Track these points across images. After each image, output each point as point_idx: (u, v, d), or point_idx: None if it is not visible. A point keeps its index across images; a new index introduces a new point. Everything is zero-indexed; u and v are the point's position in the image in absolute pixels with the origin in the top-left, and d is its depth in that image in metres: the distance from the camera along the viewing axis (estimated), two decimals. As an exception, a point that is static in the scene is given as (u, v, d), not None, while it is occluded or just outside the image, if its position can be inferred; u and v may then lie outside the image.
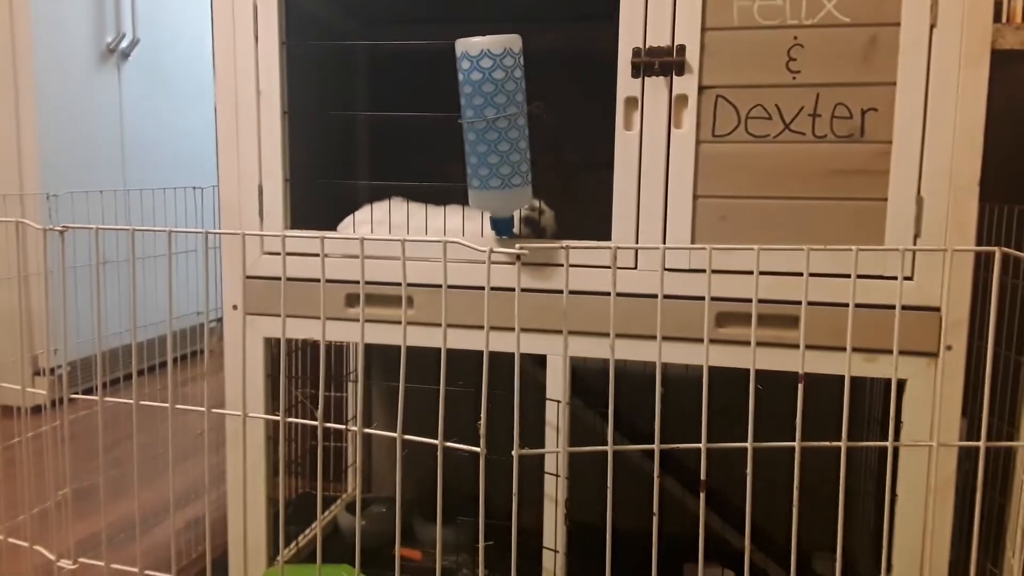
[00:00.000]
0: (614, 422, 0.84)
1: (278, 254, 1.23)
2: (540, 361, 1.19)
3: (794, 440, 0.80)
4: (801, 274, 1.06)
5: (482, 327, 1.16)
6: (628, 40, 1.08)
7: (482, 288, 1.16)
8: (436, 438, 0.84)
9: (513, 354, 0.83)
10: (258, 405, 1.25)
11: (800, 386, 0.80)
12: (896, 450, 1.06)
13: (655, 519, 0.85)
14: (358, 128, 1.62)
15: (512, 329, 1.14)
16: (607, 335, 1.13)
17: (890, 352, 1.04)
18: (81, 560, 1.02)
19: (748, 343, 1.08)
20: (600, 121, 1.22)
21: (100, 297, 0.90)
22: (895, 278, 1.04)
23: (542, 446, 1.20)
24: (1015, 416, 1.32)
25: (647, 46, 1.08)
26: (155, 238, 2.62)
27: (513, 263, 1.14)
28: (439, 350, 0.83)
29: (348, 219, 1.29)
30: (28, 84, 2.43)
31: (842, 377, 0.96)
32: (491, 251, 0.82)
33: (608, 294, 1.12)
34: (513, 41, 1.05)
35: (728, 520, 1.51)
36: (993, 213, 1.43)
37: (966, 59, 1.00)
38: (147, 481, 1.91)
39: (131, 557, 1.56)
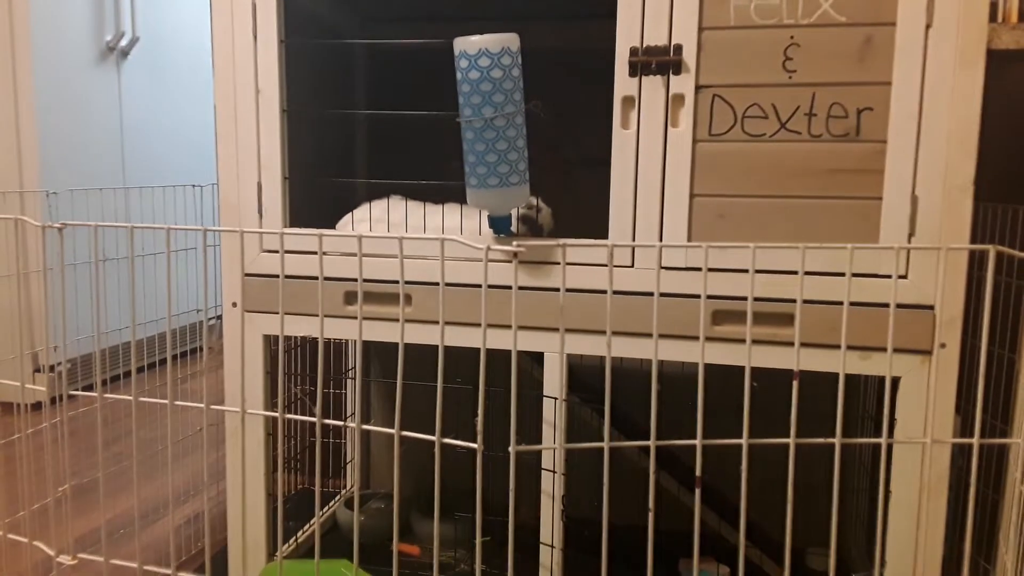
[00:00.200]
0: (610, 419, 0.85)
1: (277, 252, 1.24)
2: (537, 358, 1.19)
3: (789, 437, 0.81)
4: (796, 272, 1.07)
5: (480, 325, 1.17)
6: (625, 39, 1.09)
7: (480, 286, 1.16)
8: (434, 434, 0.85)
9: (510, 351, 0.83)
10: (257, 402, 1.26)
11: (795, 383, 0.81)
12: (890, 447, 1.06)
13: (651, 515, 0.86)
14: (357, 126, 1.63)
15: (509, 326, 1.14)
16: (604, 333, 1.13)
17: (884, 350, 1.05)
18: (80, 556, 1.03)
19: (744, 341, 1.09)
20: (597, 120, 1.22)
21: (99, 294, 0.90)
22: (890, 276, 1.05)
23: (539, 442, 1.20)
24: (1008, 413, 1.33)
25: (644, 45, 1.08)
26: (154, 235, 2.63)
27: (510, 261, 1.15)
28: (437, 347, 0.84)
29: (347, 217, 1.30)
30: (28, 82, 2.43)
31: (837, 374, 0.97)
32: (488, 249, 0.82)
33: (605, 292, 1.13)
34: (511, 40, 1.05)
35: (723, 516, 1.52)
36: (988, 212, 1.43)
37: (961, 59, 1.01)
38: (147, 477, 1.92)
39: (130, 553, 1.57)
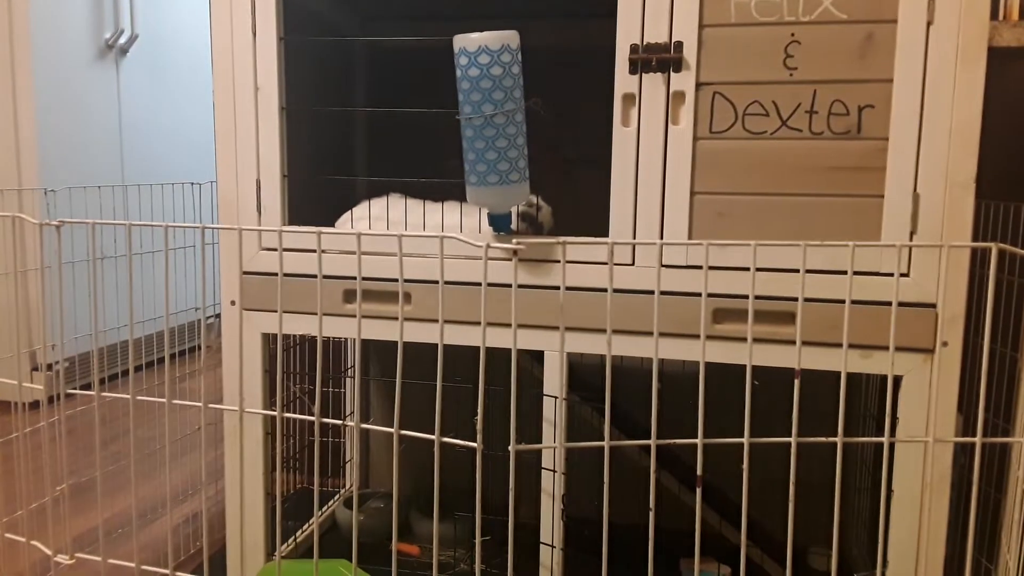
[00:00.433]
0: (611, 417, 0.84)
1: (276, 250, 1.23)
2: (537, 357, 1.19)
3: (790, 436, 0.80)
4: (798, 270, 1.07)
5: (479, 323, 1.16)
6: (626, 36, 1.08)
7: (479, 284, 1.16)
8: (433, 433, 0.84)
9: (510, 350, 0.83)
10: (256, 401, 1.25)
11: (796, 382, 0.80)
12: (892, 446, 1.06)
13: (652, 514, 0.86)
14: (356, 124, 1.62)
15: (509, 325, 1.14)
16: (604, 331, 1.13)
17: (886, 348, 1.05)
18: (78, 555, 1.02)
19: (745, 339, 1.08)
20: (598, 117, 1.22)
21: (97, 292, 0.90)
22: (891, 274, 1.05)
23: (539, 441, 1.20)
24: (1011, 412, 1.33)
25: (645, 42, 1.08)
26: (153, 233, 2.62)
27: (510, 259, 1.14)
28: (436, 346, 0.83)
29: (346, 215, 1.30)
30: (27, 80, 2.43)
31: (838, 373, 0.96)
32: (488, 247, 0.82)
33: (605, 290, 1.12)
34: (511, 37, 1.05)
35: (724, 515, 1.51)
36: (989, 210, 1.43)
37: (963, 56, 1.00)
38: (144, 476, 1.91)
39: (128, 552, 1.56)
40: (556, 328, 1.15)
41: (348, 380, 1.78)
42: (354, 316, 1.21)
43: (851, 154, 1.05)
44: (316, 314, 1.22)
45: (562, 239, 0.84)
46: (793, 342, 1.07)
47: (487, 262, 0.83)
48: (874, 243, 0.82)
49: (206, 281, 0.86)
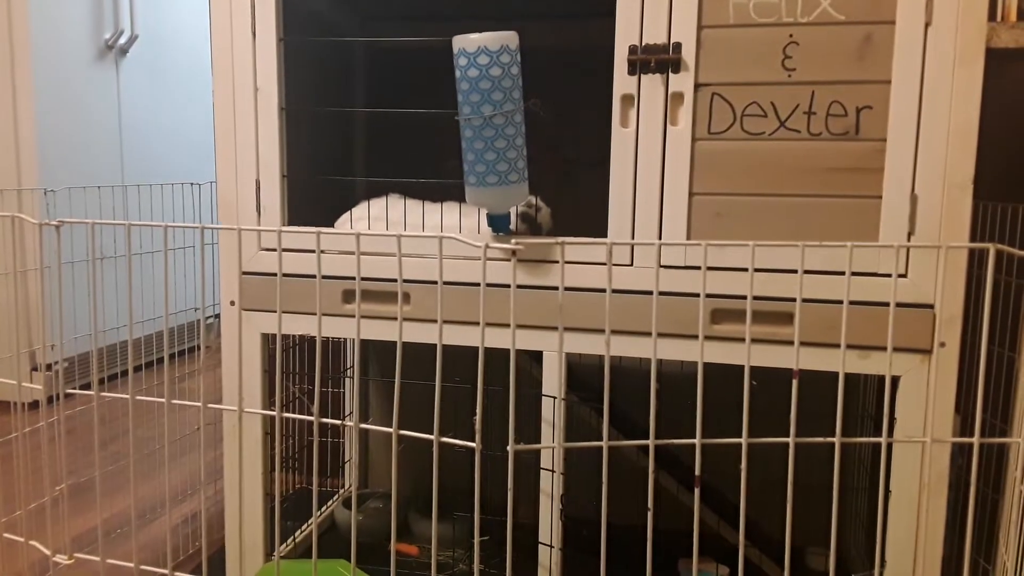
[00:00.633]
0: (609, 418, 0.84)
1: (275, 250, 1.23)
2: (536, 357, 1.19)
3: (788, 436, 0.80)
4: (796, 271, 1.07)
5: (478, 323, 1.16)
6: (624, 37, 1.09)
7: (478, 284, 1.16)
8: (432, 433, 0.84)
9: (509, 350, 0.83)
10: (255, 401, 1.25)
11: (794, 382, 0.80)
12: (890, 446, 1.06)
13: (650, 514, 0.86)
14: (356, 125, 1.62)
15: (508, 325, 1.14)
16: (603, 331, 1.13)
17: (884, 349, 1.05)
18: (77, 555, 1.03)
19: (743, 339, 1.09)
20: (596, 118, 1.22)
21: (97, 292, 0.90)
22: (889, 275, 1.05)
23: (538, 442, 1.20)
24: (1008, 413, 1.33)
25: (643, 43, 1.08)
26: (152, 233, 2.62)
27: (509, 259, 1.15)
28: (435, 346, 0.83)
29: (345, 216, 1.30)
30: (26, 80, 2.43)
31: (836, 373, 0.96)
32: (487, 247, 0.82)
33: (604, 290, 1.13)
34: (510, 38, 1.05)
35: (723, 515, 1.51)
36: (987, 211, 1.43)
37: (960, 57, 1.00)
38: (144, 476, 1.91)
39: (127, 552, 1.56)
40: (555, 328, 1.15)
41: (347, 380, 1.78)
42: (353, 316, 1.21)
43: (849, 155, 1.05)
44: (315, 314, 1.22)
45: (561, 239, 0.84)
46: (791, 342, 1.07)
47: (486, 262, 0.83)
48: (872, 244, 0.82)
49: (205, 281, 0.86)
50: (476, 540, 0.85)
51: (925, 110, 1.02)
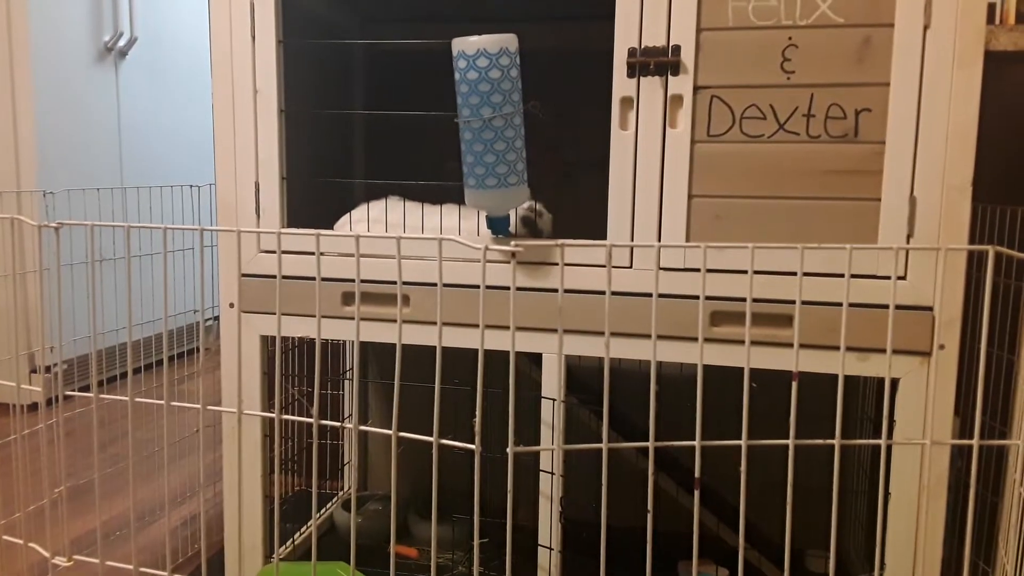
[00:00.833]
0: (609, 420, 0.84)
1: (274, 252, 1.23)
2: (536, 359, 1.19)
3: (788, 438, 0.80)
4: (795, 273, 1.07)
5: (478, 325, 1.16)
6: (624, 40, 1.09)
7: (478, 286, 1.16)
8: (432, 435, 0.84)
9: (508, 352, 0.83)
10: (254, 403, 1.25)
11: (794, 384, 0.80)
12: (889, 448, 1.06)
13: (650, 516, 0.86)
14: (355, 127, 1.62)
15: (508, 327, 1.14)
16: (602, 333, 1.13)
17: (883, 351, 1.05)
18: (76, 557, 1.02)
19: (742, 342, 1.09)
20: (596, 120, 1.22)
21: (96, 294, 0.90)
22: (888, 277, 1.05)
23: (537, 444, 1.20)
24: (1007, 415, 1.33)
25: (642, 46, 1.08)
26: (151, 235, 2.62)
27: (508, 261, 1.15)
28: (435, 348, 0.83)
29: (345, 218, 1.30)
30: (26, 82, 2.43)
31: (835, 375, 0.96)
32: (486, 249, 0.82)
33: (603, 293, 1.13)
34: (509, 40, 1.05)
35: (722, 518, 1.51)
36: (986, 213, 1.43)
37: (959, 60, 1.00)
38: (143, 478, 1.91)
39: (126, 555, 1.56)
40: (554, 331, 1.15)
41: (346, 382, 1.78)
42: (353, 318, 1.21)
43: (848, 157, 1.05)
44: (315, 316, 1.22)
45: (560, 241, 0.84)
46: (791, 345, 1.07)
47: (485, 264, 0.83)
48: (871, 246, 0.82)
49: (205, 283, 0.86)
50: (476, 542, 0.85)
51: (924, 112, 1.02)
